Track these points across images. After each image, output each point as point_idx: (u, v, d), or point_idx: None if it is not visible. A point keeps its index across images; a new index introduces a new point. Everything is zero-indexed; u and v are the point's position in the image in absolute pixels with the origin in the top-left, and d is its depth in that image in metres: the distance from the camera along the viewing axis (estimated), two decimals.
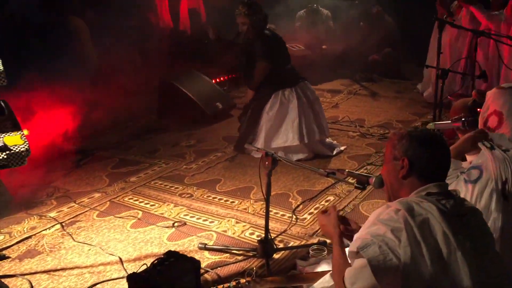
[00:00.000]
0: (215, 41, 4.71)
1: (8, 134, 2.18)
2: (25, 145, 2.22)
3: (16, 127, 2.23)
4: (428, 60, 6.62)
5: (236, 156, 4.61)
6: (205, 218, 3.44)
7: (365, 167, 4.26)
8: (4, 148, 2.12)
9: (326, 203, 3.61)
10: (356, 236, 1.84)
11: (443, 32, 6.07)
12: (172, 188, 3.95)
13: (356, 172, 2.21)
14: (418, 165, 1.77)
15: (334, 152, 4.57)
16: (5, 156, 2.14)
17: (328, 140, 4.71)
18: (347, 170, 2.25)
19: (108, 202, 3.72)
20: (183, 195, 3.82)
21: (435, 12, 6.47)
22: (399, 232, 1.64)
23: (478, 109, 3.13)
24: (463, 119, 2.74)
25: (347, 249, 2.36)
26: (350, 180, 2.39)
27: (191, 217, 3.46)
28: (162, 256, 2.45)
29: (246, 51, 4.47)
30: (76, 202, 3.71)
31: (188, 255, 2.78)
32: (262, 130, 4.42)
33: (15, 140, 2.16)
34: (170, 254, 2.48)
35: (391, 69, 7.99)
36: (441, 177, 1.82)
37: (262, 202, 3.64)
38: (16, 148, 2.17)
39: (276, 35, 4.56)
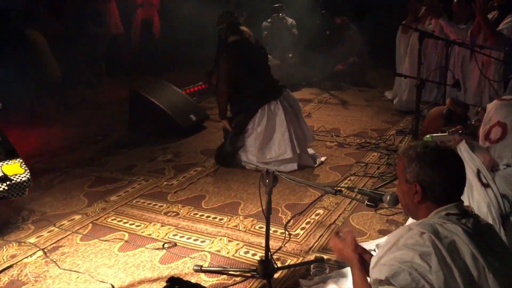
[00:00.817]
0: None
1: (5, 162, 2.01)
2: (26, 174, 2.05)
3: (13, 154, 2.06)
4: (397, 67, 6.77)
5: (218, 171, 4.52)
6: (195, 238, 3.33)
7: (348, 178, 4.27)
8: (4, 178, 1.95)
9: (316, 217, 3.58)
10: (375, 261, 1.79)
11: (411, 40, 6.27)
12: (156, 207, 3.82)
13: (368, 190, 2.18)
14: (432, 190, 1.74)
15: (316, 164, 4.56)
16: (6, 187, 1.96)
17: (311, 150, 4.70)
18: (357, 189, 2.22)
19: (90, 224, 3.54)
20: (169, 214, 3.69)
21: (399, 20, 6.61)
22: (428, 257, 1.59)
23: (474, 121, 3.19)
24: (460, 131, 2.77)
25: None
26: (354, 196, 2.37)
27: (180, 237, 3.35)
28: (166, 284, 2.34)
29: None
30: (56, 226, 3.51)
31: (184, 279, 2.69)
32: (253, 146, 4.37)
33: (15, 169, 1.99)
34: (174, 281, 2.38)
35: (357, 78, 8.11)
36: (458, 196, 1.80)
37: (252, 219, 3.58)
38: (17, 178, 2.00)
39: (248, 45, 4.41)
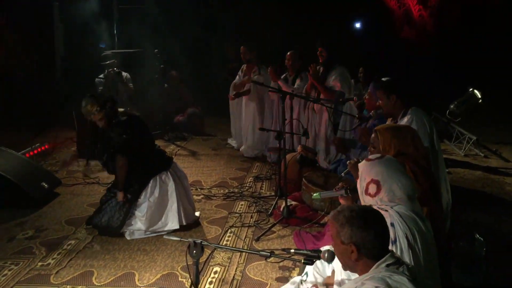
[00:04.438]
0: None
1: None
2: None
3: None
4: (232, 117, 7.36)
5: (93, 241, 4.31)
6: None
7: (230, 231, 4.47)
8: None
9: (216, 275, 3.70)
10: None
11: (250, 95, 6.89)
12: None
13: (303, 250, 2.43)
14: (365, 249, 2.05)
15: (192, 220, 4.66)
16: None
17: None
18: (293, 250, 2.45)
19: None
20: None
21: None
22: None
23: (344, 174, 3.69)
24: (344, 187, 3.20)
25: None
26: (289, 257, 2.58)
27: None
28: None
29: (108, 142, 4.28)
30: None
31: None
32: (143, 214, 4.30)
33: None
34: None
35: (197, 128, 8.46)
36: (387, 247, 2.17)
37: None
38: None
39: (135, 117, 4.39)
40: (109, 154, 4.30)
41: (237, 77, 7.13)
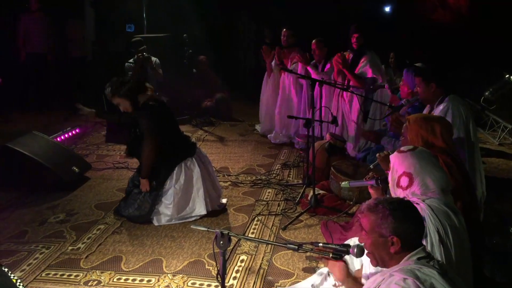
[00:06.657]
0: None
1: None
2: None
3: None
4: (261, 103, 7.30)
5: (122, 226, 4.36)
6: None
7: (256, 219, 4.45)
8: None
9: (242, 264, 3.69)
10: None
11: (281, 81, 6.81)
12: (72, 277, 3.53)
13: (332, 244, 2.39)
14: (408, 240, 2.02)
15: (220, 207, 4.66)
16: None
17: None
18: (321, 244, 2.41)
19: None
20: (90, 283, 3.44)
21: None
22: None
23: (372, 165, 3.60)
24: (375, 177, 3.12)
25: None
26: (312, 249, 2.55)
27: None
28: None
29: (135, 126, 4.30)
30: None
31: None
32: (170, 201, 4.32)
33: None
34: None
35: (225, 113, 8.44)
36: (421, 241, 2.12)
37: (181, 275, 3.54)
38: None
39: (161, 103, 4.37)
40: (135, 139, 4.32)
41: (273, 62, 7.03)
